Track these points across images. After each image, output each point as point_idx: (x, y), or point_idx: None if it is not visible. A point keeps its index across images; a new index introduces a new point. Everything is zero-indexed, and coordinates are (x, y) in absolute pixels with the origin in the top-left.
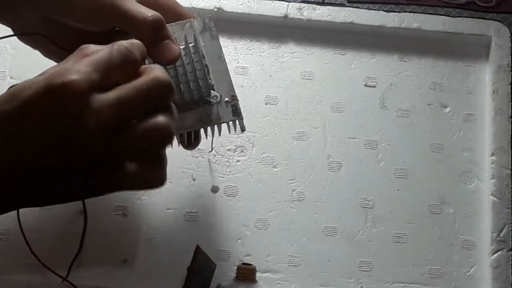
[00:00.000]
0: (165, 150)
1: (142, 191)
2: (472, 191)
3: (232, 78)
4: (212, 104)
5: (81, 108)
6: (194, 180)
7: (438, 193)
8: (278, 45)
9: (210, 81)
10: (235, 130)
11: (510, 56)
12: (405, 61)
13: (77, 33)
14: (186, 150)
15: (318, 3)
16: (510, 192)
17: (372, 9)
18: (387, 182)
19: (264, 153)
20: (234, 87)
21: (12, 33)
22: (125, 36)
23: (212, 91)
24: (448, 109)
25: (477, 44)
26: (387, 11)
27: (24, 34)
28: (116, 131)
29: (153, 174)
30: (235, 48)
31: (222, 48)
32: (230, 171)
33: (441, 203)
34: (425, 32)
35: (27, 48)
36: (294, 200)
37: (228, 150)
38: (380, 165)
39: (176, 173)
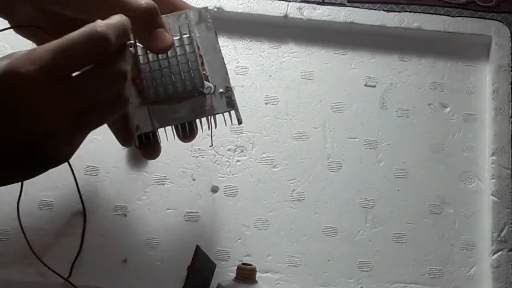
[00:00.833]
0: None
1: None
2: (472, 191)
3: (230, 73)
4: (206, 94)
5: (26, 96)
6: (194, 180)
7: (438, 193)
8: (278, 45)
9: (204, 72)
10: (231, 122)
11: (510, 56)
12: (405, 61)
13: (72, 24)
14: (187, 151)
15: (318, 3)
16: (510, 192)
17: (372, 9)
18: (387, 182)
19: (264, 153)
20: (231, 80)
21: (7, 26)
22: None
23: (206, 82)
24: (448, 109)
25: (477, 44)
26: (387, 11)
27: (19, 26)
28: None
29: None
30: (235, 48)
31: (219, 41)
32: (230, 171)
33: (441, 203)
34: (425, 32)
35: (27, 48)
36: (294, 200)
37: (228, 150)
38: (380, 165)
39: (176, 173)
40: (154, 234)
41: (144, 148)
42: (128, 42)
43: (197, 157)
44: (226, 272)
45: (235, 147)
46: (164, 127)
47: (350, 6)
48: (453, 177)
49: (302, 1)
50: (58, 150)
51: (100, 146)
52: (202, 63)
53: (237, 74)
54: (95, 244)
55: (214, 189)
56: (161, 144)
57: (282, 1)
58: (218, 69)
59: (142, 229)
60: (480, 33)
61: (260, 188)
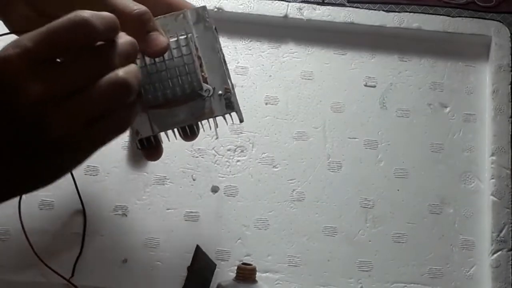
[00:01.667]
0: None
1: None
2: (472, 191)
3: (228, 69)
4: (204, 98)
5: (12, 84)
6: (194, 180)
7: (438, 193)
8: (278, 45)
9: (203, 74)
10: (232, 122)
11: (510, 56)
12: (405, 61)
13: None
14: (187, 151)
15: (318, 3)
16: (510, 192)
17: (372, 9)
18: (387, 182)
19: (264, 153)
20: (231, 80)
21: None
22: None
23: (204, 84)
24: (448, 109)
25: (477, 44)
26: (387, 11)
27: (15, 32)
28: (63, 98)
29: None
30: (235, 48)
31: (219, 40)
32: (230, 171)
33: (441, 203)
34: (425, 32)
35: None
36: (294, 200)
37: (228, 150)
38: (380, 165)
39: (176, 173)
40: (154, 234)
41: (146, 150)
42: None
43: (197, 157)
44: (226, 272)
45: (235, 147)
46: (164, 131)
47: (350, 6)
48: (453, 177)
49: (302, 1)
50: (58, 147)
51: None
52: (201, 65)
53: (237, 74)
54: (95, 244)
55: (214, 189)
56: (162, 144)
57: (282, 1)
58: (217, 70)
59: (142, 229)
60: (480, 33)
61: (260, 188)
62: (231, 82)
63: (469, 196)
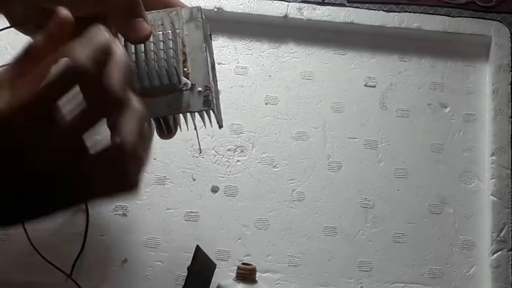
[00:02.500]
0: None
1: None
2: (472, 191)
3: (230, 74)
4: (183, 90)
5: None
6: (194, 180)
7: (438, 193)
8: (278, 45)
9: (185, 69)
10: (211, 124)
11: (510, 56)
12: (405, 61)
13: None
14: (187, 151)
15: (318, 3)
16: (510, 192)
17: (372, 9)
18: (387, 182)
19: (264, 153)
20: (217, 85)
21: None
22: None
23: (184, 78)
24: (448, 109)
25: (477, 44)
26: (387, 11)
27: (15, 26)
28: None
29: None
30: (235, 48)
31: (213, 40)
32: (230, 171)
33: (441, 203)
34: (425, 32)
35: None
36: (294, 200)
37: (228, 150)
38: (380, 165)
39: (176, 173)
40: (154, 234)
41: None
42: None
43: (197, 157)
44: (226, 272)
45: (235, 147)
46: None
47: (350, 6)
48: (453, 177)
49: (302, 1)
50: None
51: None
52: (185, 61)
53: (237, 74)
54: (95, 244)
55: (214, 189)
56: (161, 144)
57: (282, 1)
58: (200, 68)
59: (142, 229)
60: (480, 33)
61: (260, 188)
62: (215, 86)
63: (469, 196)
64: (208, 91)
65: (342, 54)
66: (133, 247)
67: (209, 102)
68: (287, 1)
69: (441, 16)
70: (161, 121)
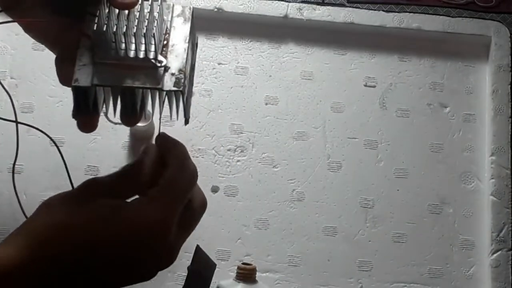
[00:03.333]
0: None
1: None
2: (472, 191)
3: (230, 74)
4: (157, 67)
5: None
6: None
7: (438, 193)
8: (278, 45)
9: (163, 51)
10: (177, 115)
11: (510, 56)
12: (405, 61)
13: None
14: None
15: (318, 3)
16: (510, 192)
17: (372, 9)
18: (387, 182)
19: (264, 153)
20: (192, 83)
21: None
22: (91, 17)
23: (160, 56)
24: (448, 109)
25: (477, 44)
26: (387, 11)
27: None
28: None
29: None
30: (235, 48)
31: (197, 55)
32: (230, 171)
33: (441, 203)
34: (425, 32)
35: (27, 48)
36: (294, 200)
37: (228, 150)
38: (380, 165)
39: None
40: None
41: (81, 115)
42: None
43: (197, 157)
44: (226, 272)
45: (235, 147)
46: (103, 86)
47: (350, 7)
48: (453, 177)
49: (302, 1)
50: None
51: (100, 146)
52: (166, 46)
53: (237, 74)
54: None
55: (214, 189)
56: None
57: (282, 1)
58: (178, 56)
59: None
60: (479, 34)
61: (260, 188)
62: (190, 86)
63: (469, 196)
64: (181, 74)
65: (342, 54)
66: None
67: (180, 84)
68: (287, 1)
69: (441, 16)
70: (127, 98)
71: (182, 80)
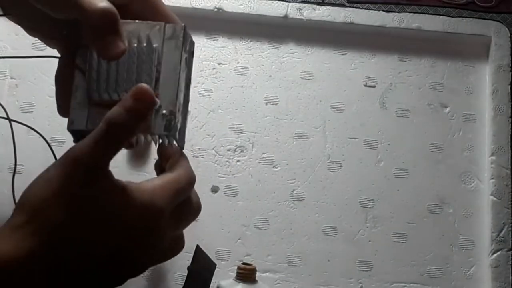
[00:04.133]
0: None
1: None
2: (472, 191)
3: (230, 74)
4: None
5: None
6: None
7: (438, 193)
8: (278, 45)
9: (155, 90)
10: (171, 143)
11: (510, 56)
12: (405, 61)
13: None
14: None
15: (318, 3)
16: (510, 192)
17: (372, 9)
18: (387, 182)
19: (264, 153)
20: (187, 106)
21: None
22: (84, 50)
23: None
24: (448, 109)
25: (477, 44)
26: (387, 11)
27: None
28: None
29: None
30: (235, 48)
31: (192, 66)
32: (230, 171)
33: (441, 203)
34: (425, 32)
35: (27, 48)
36: (294, 200)
37: (228, 150)
38: (380, 165)
39: None
40: None
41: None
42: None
43: (197, 157)
44: (226, 272)
45: (235, 147)
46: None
47: (350, 7)
48: (453, 177)
49: (302, 1)
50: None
51: None
52: (157, 80)
53: (237, 74)
54: None
55: (214, 189)
56: None
57: (282, 2)
58: (169, 90)
59: None
60: (479, 34)
61: (260, 188)
62: (185, 107)
63: (469, 196)
64: (172, 116)
65: (342, 54)
66: None
67: (170, 127)
68: (287, 1)
69: (441, 16)
70: None
71: (172, 122)
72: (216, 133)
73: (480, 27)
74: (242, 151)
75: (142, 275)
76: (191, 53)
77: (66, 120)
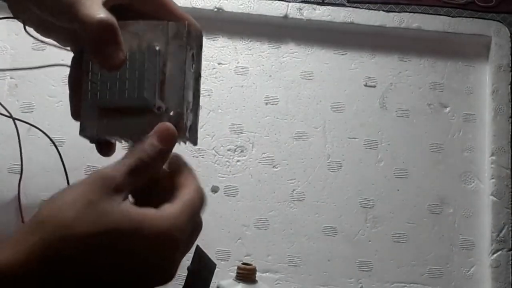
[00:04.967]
0: None
1: None
2: (472, 191)
3: (230, 74)
4: (156, 114)
5: None
6: None
7: (438, 193)
8: (278, 45)
9: (162, 91)
10: (184, 143)
11: (510, 56)
12: (405, 61)
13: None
14: (187, 151)
15: (318, 3)
16: (510, 192)
17: (372, 9)
18: (387, 182)
19: (264, 153)
20: (198, 108)
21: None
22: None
23: (158, 100)
24: (448, 109)
25: (477, 44)
26: (387, 11)
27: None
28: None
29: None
30: (235, 48)
31: (200, 65)
32: (230, 171)
33: (441, 203)
34: (425, 32)
35: (27, 48)
36: (294, 200)
37: (228, 150)
38: (380, 165)
39: None
40: None
41: (97, 144)
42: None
43: (197, 157)
44: (226, 272)
45: (235, 147)
46: (106, 138)
47: (350, 7)
48: (453, 177)
49: (302, 1)
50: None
51: None
52: (163, 82)
53: (237, 74)
54: None
55: (214, 189)
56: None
57: (282, 1)
58: (176, 91)
59: None
60: (479, 33)
61: (260, 188)
62: (197, 102)
63: (469, 196)
64: (179, 117)
65: (342, 54)
66: None
67: (178, 129)
68: (287, 1)
69: (441, 16)
70: (132, 140)
71: (179, 123)
72: (216, 133)
73: (480, 27)
74: (242, 151)
75: None
76: (199, 47)
77: (66, 120)
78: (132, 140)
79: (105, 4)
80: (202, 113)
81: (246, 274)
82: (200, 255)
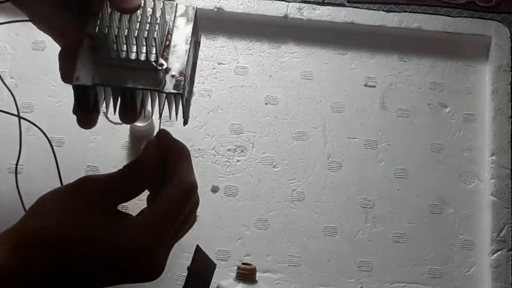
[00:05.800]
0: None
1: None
2: (472, 191)
3: (230, 74)
4: (158, 70)
5: None
6: None
7: (438, 193)
8: (278, 45)
9: (165, 53)
10: (176, 116)
11: (510, 56)
12: (405, 61)
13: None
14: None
15: (318, 3)
16: (510, 192)
17: (372, 9)
18: (387, 182)
19: (264, 153)
20: (193, 83)
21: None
22: (94, 17)
23: (161, 58)
24: (448, 109)
25: (477, 44)
26: (387, 11)
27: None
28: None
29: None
30: (235, 48)
31: (198, 55)
32: (230, 171)
33: (441, 203)
34: (425, 32)
35: (27, 48)
36: (294, 200)
37: (228, 150)
38: (380, 165)
39: None
40: None
41: (81, 112)
42: None
43: (197, 157)
44: (226, 272)
45: (235, 147)
46: (104, 86)
47: (350, 6)
48: (453, 177)
49: (302, 1)
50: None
51: (100, 146)
52: (167, 47)
53: (237, 74)
54: None
55: (214, 189)
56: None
57: (282, 1)
58: (180, 57)
59: None
60: (479, 34)
61: (260, 188)
62: (191, 85)
63: (469, 196)
64: (181, 77)
65: (342, 54)
66: None
67: (180, 87)
68: (287, 1)
69: (441, 16)
70: (127, 96)
71: (182, 83)
72: (216, 133)
73: (480, 27)
74: (242, 151)
75: None
76: (198, 43)
77: (66, 120)
78: (128, 96)
79: None
80: (202, 113)
81: (246, 274)
82: (200, 255)
